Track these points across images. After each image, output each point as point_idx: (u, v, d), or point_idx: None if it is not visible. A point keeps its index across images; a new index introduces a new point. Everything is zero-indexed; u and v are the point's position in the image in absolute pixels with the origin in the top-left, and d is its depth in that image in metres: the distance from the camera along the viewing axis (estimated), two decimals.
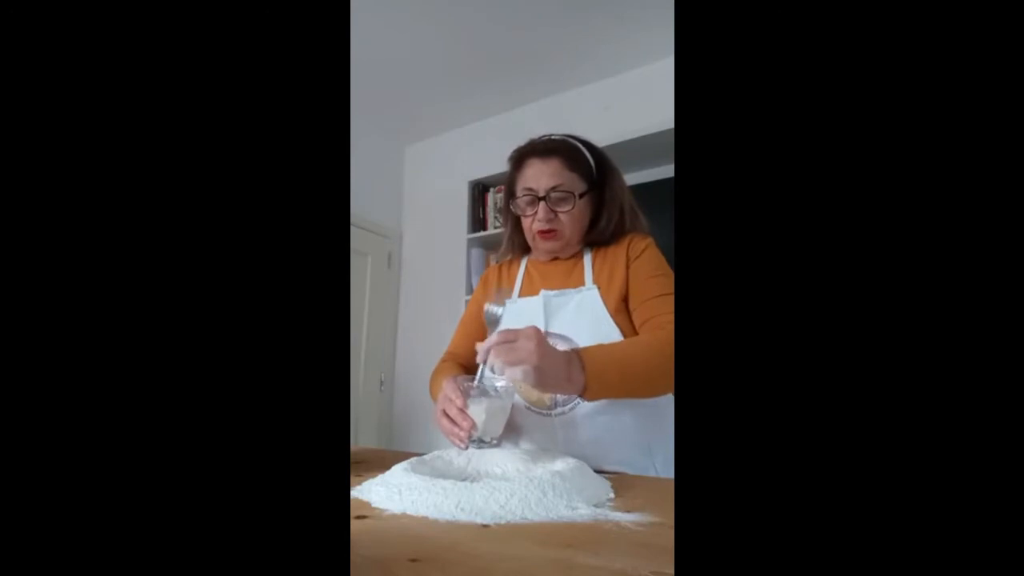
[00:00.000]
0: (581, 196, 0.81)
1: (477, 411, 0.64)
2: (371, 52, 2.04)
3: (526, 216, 0.84)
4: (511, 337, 0.59)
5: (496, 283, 0.94)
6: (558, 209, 0.81)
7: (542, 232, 0.81)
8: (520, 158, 0.86)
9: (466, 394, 0.65)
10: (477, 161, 2.38)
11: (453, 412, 0.64)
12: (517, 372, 0.56)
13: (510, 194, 0.89)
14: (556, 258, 0.88)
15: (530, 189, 0.82)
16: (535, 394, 0.75)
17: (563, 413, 0.73)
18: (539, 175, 0.81)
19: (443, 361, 0.91)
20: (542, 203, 0.80)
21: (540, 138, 0.86)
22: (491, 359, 0.58)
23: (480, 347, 0.59)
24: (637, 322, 0.77)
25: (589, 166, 0.84)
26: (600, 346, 0.67)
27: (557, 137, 0.86)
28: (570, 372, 0.61)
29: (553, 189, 0.80)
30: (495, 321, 0.68)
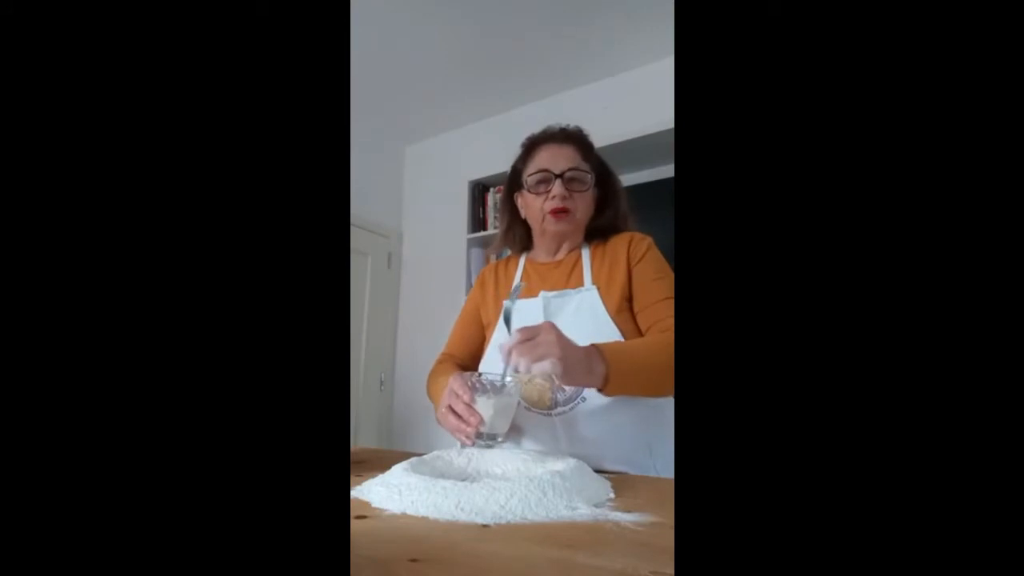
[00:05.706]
0: (594, 182, 0.85)
1: (485, 407, 0.64)
2: (371, 52, 2.03)
3: (538, 195, 0.84)
4: (531, 334, 0.60)
5: (494, 283, 0.93)
6: (573, 189, 0.83)
7: (556, 211, 0.82)
8: (533, 144, 0.88)
9: (473, 389, 0.65)
10: (477, 161, 2.37)
11: (460, 408, 0.64)
12: (545, 365, 0.58)
13: (514, 183, 0.90)
14: (559, 246, 0.89)
15: (545, 169, 0.83)
16: (535, 396, 0.75)
17: (563, 413, 0.73)
18: (556, 157, 0.84)
19: (440, 362, 0.91)
20: (558, 181, 0.82)
21: (554, 127, 0.89)
22: (514, 358, 0.59)
23: (502, 347, 0.60)
24: (643, 325, 0.77)
25: (595, 160, 0.88)
26: (618, 342, 0.69)
27: (571, 127, 0.89)
28: (591, 364, 0.62)
29: (569, 170, 0.83)
30: (508, 317, 0.68)
